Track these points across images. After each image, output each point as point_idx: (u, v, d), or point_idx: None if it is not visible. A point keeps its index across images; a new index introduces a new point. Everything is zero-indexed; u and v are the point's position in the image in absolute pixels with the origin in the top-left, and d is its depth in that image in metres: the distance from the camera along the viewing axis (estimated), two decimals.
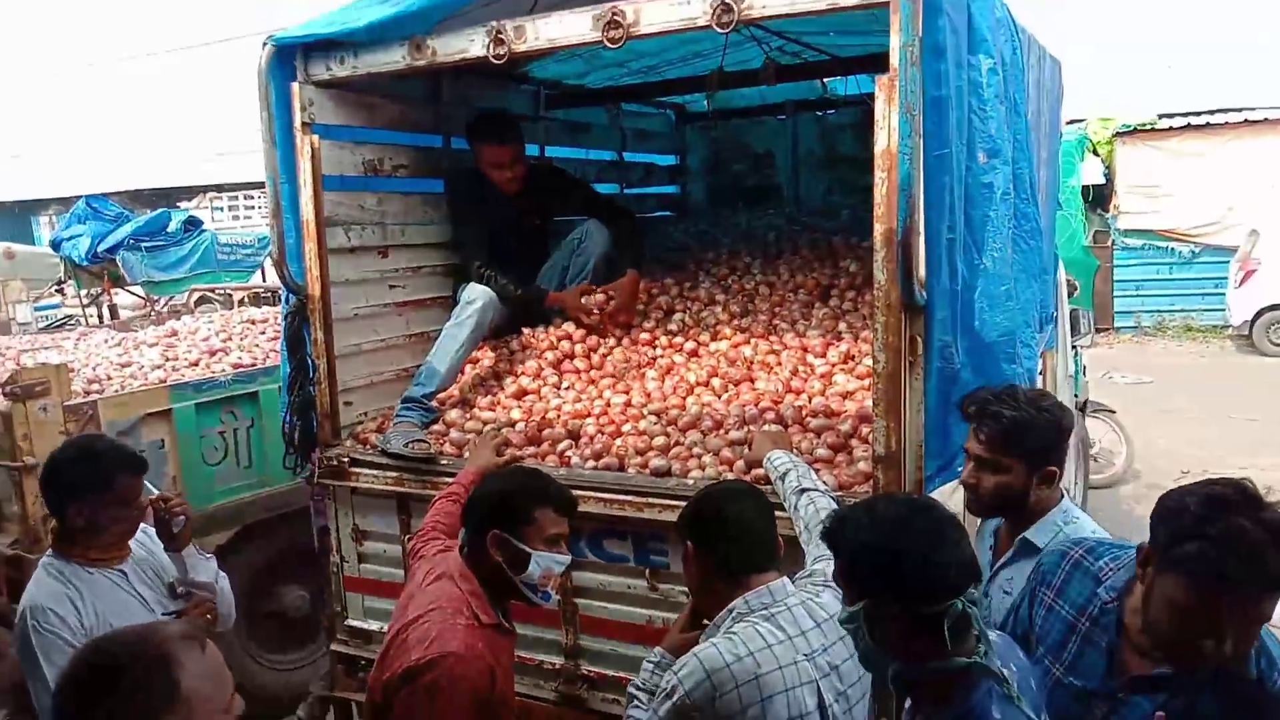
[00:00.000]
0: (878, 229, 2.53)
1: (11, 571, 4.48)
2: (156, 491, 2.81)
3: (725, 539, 2.14)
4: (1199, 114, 14.36)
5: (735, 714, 1.91)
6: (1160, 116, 14.53)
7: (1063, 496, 2.39)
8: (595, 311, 3.99)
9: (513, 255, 4.13)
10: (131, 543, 2.76)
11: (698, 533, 2.18)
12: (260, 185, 3.62)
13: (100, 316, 13.75)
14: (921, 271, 2.52)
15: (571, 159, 5.23)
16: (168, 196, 24.15)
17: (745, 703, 1.91)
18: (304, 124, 3.45)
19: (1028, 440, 2.27)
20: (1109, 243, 15.04)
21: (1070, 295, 5.86)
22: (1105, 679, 1.85)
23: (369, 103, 3.80)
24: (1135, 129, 14.58)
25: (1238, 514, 1.63)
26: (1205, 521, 1.65)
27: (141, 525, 2.82)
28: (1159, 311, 15.13)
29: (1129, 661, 1.84)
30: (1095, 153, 14.62)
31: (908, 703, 1.89)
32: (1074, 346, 6.08)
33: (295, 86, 3.43)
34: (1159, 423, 9.10)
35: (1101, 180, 14.79)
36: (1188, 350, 13.98)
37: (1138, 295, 15.21)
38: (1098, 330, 11.02)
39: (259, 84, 3.38)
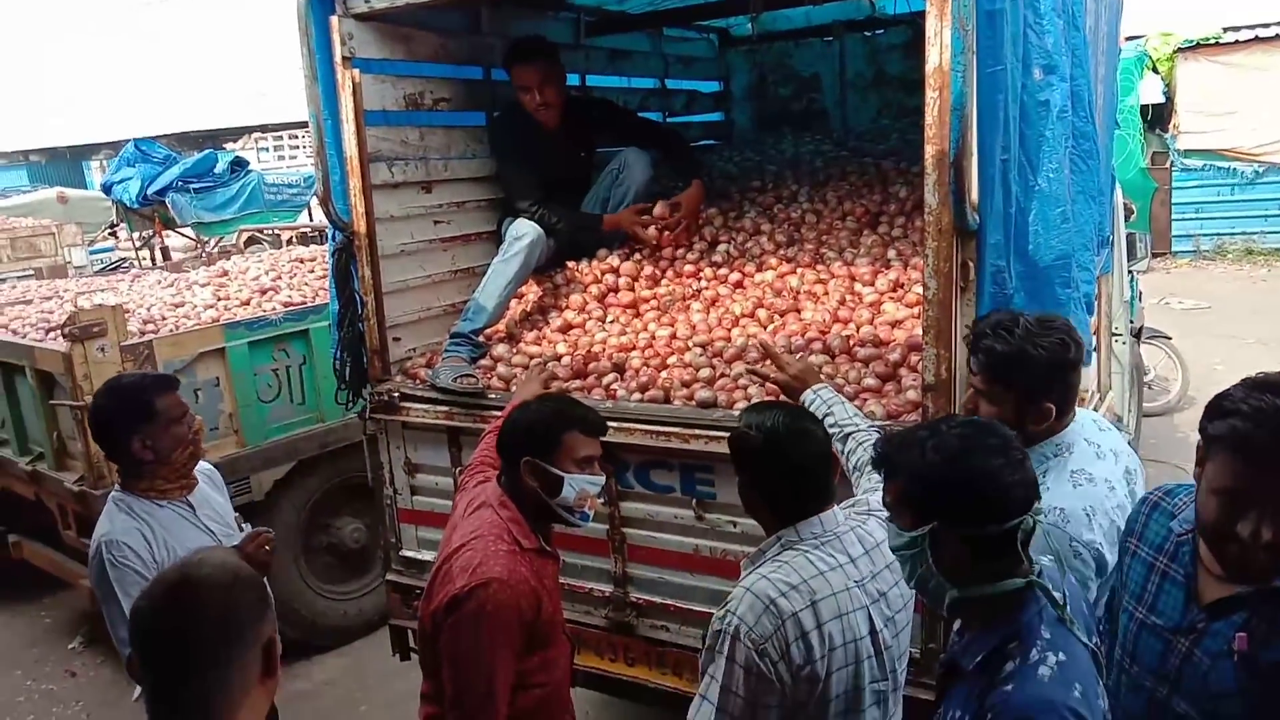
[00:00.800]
0: (929, 150, 2.46)
1: (77, 507, 4.64)
2: (200, 418, 2.84)
3: (784, 484, 2.07)
4: (1267, 25, 13.72)
5: (794, 641, 1.89)
6: (1225, 30, 13.91)
7: (1067, 429, 2.29)
8: (657, 228, 3.93)
9: (556, 190, 4.09)
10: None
11: (757, 470, 2.11)
12: (304, 125, 3.61)
13: (153, 258, 14.01)
14: (974, 194, 2.45)
15: (613, 88, 5.14)
16: (214, 138, 24.34)
17: (805, 629, 1.90)
18: (344, 58, 3.43)
19: (1019, 374, 2.18)
20: (1167, 164, 14.53)
21: (1127, 219, 5.69)
22: (1184, 613, 1.80)
23: (409, 35, 3.76)
24: (1198, 44, 13.97)
25: (1276, 394, 1.60)
26: (1242, 401, 1.63)
27: (204, 473, 2.89)
28: (1219, 234, 14.67)
29: (1206, 592, 1.79)
30: (1155, 70, 14.06)
31: (956, 624, 1.89)
32: (1130, 271, 5.93)
33: (335, 20, 3.40)
34: (1216, 349, 8.88)
35: (1161, 99, 14.23)
36: (1248, 274, 13.57)
37: (1197, 218, 14.74)
38: (1154, 255, 10.74)
39: (299, 18, 3.35)
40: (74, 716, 4.91)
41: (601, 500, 3.23)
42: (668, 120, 5.62)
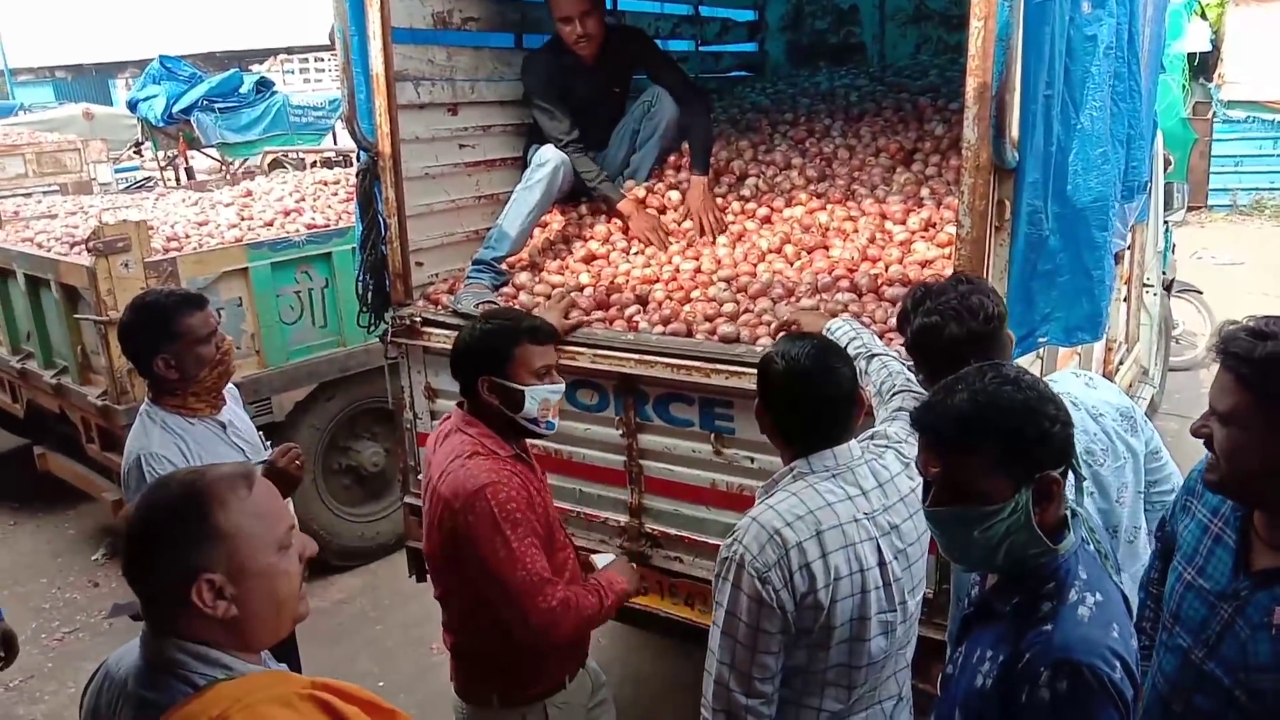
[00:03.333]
0: (970, 83, 2.38)
1: (101, 420, 4.69)
2: (230, 338, 2.83)
3: (800, 417, 2.06)
4: None
5: (798, 569, 1.91)
6: None
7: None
8: (662, 234, 3.81)
9: (588, 120, 4.00)
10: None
11: (776, 398, 2.08)
12: (331, 48, 3.54)
13: (177, 178, 13.99)
14: (1015, 131, 2.38)
15: (645, 12, 5.02)
16: (240, 59, 24.14)
17: (809, 558, 1.92)
18: None
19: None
20: (1209, 115, 14.16)
21: (1165, 169, 5.55)
22: (1231, 579, 1.77)
23: None
24: None
25: None
26: (1250, 327, 1.64)
27: (228, 391, 2.87)
28: (1258, 189, 14.33)
29: (1257, 560, 1.75)
30: (1203, 16, 13.63)
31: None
32: (1165, 222, 5.81)
33: None
34: (1248, 306, 8.68)
35: (1208, 48, 13.83)
36: None
37: (1235, 172, 14.39)
38: (1190, 208, 10.48)
39: None
40: (96, 624, 5.03)
41: (620, 433, 3.25)
42: (700, 49, 5.50)
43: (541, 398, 2.45)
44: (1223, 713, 1.72)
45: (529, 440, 2.57)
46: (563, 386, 2.54)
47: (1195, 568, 1.85)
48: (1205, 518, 1.89)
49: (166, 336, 2.61)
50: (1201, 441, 1.73)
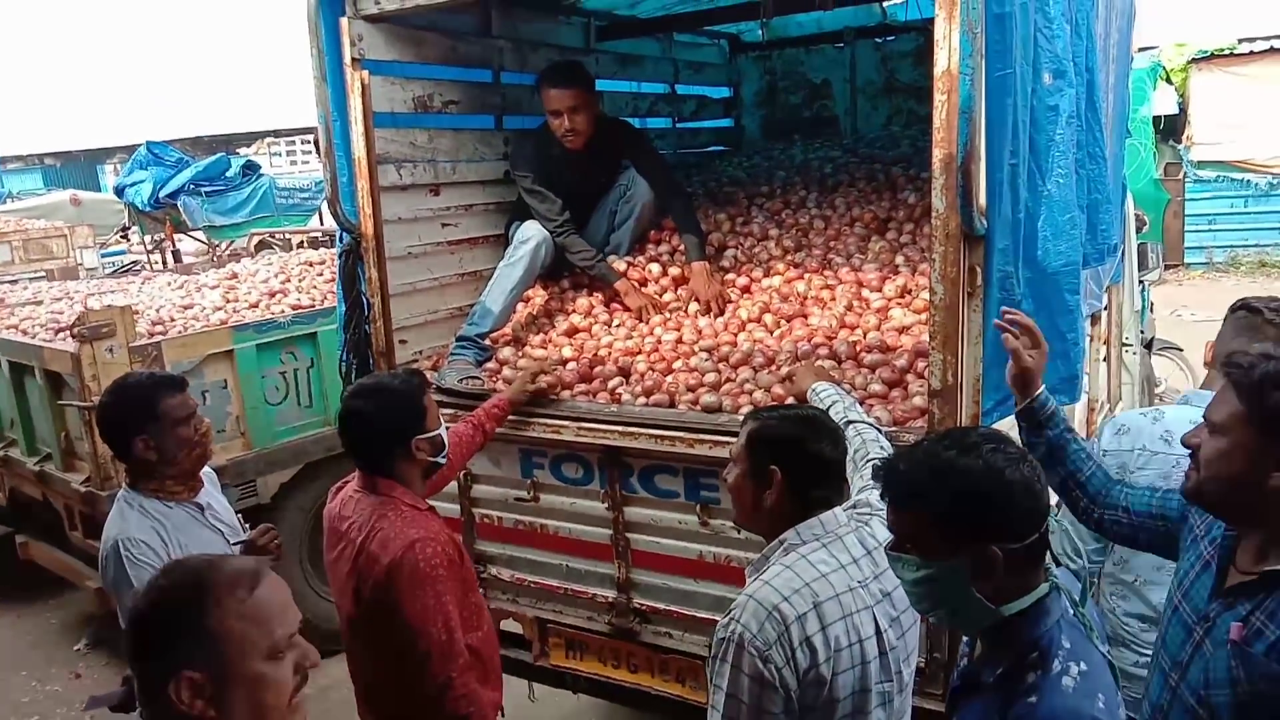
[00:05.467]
0: (937, 154, 2.44)
1: (84, 507, 4.65)
2: (208, 420, 2.83)
3: (816, 475, 2.07)
4: None
5: (799, 645, 1.88)
6: (1240, 41, 13.86)
7: None
8: (659, 307, 3.85)
9: (572, 205, 4.00)
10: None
11: (794, 464, 2.06)
12: (316, 130, 3.61)
13: (164, 261, 14.07)
14: (982, 199, 2.43)
15: (623, 92, 5.14)
16: (227, 142, 24.49)
17: (808, 632, 1.88)
18: (354, 59, 3.43)
19: None
20: (1180, 175, 14.48)
21: (1139, 230, 5.65)
22: (1207, 601, 1.80)
23: (419, 37, 3.76)
24: (1212, 55, 13.93)
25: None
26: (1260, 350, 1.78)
27: (205, 474, 2.87)
28: (1232, 247, 14.59)
29: (1230, 581, 1.78)
30: (1168, 81, 14.02)
31: (965, 638, 1.86)
32: (1141, 281, 5.90)
33: (344, 21, 3.41)
34: None
35: (1174, 110, 14.20)
36: (1262, 287, 13.45)
37: (1210, 230, 14.67)
38: (1167, 266, 10.66)
39: (308, 19, 3.35)
40: (78, 718, 4.91)
41: (605, 506, 3.24)
42: (677, 126, 5.61)
43: (444, 430, 2.70)
44: None
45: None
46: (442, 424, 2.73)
47: (1183, 592, 1.89)
48: (1205, 547, 1.90)
49: (147, 418, 2.61)
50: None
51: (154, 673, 1.37)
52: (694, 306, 3.80)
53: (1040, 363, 2.22)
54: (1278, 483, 1.65)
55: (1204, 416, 1.77)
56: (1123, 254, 4.31)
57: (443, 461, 2.70)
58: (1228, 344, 2.41)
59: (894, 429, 2.73)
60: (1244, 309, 2.47)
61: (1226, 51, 13.88)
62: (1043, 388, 2.21)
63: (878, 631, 1.98)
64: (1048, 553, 1.65)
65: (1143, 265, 5.84)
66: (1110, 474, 2.21)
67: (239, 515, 2.98)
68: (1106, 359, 4.70)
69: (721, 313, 3.74)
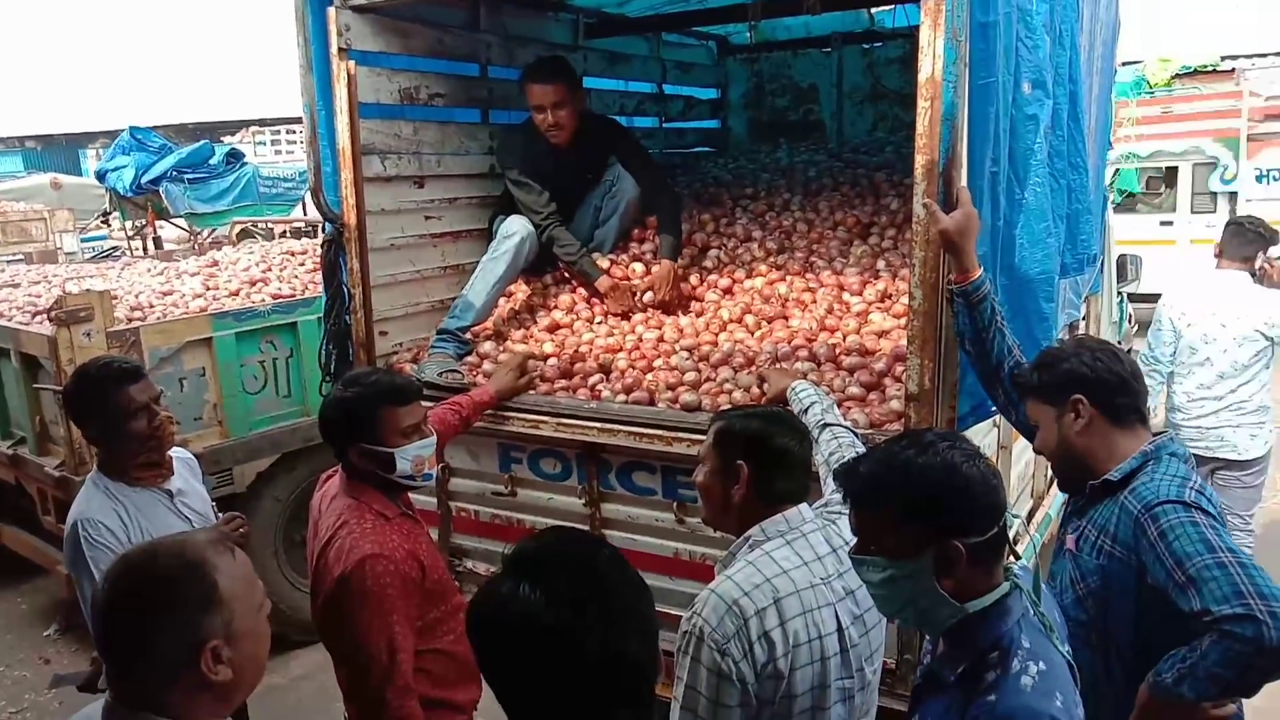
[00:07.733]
0: (919, 160, 2.46)
1: (58, 492, 4.61)
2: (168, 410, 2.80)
3: (782, 469, 2.11)
4: (1265, 55, 13.80)
5: (757, 639, 1.91)
6: (1223, 59, 13.98)
7: None
8: (638, 305, 3.86)
9: (558, 200, 4.02)
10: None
11: (759, 458, 2.11)
12: (301, 120, 3.60)
13: (145, 248, 13.95)
14: None
15: (611, 90, 5.14)
16: (212, 130, 24.33)
17: (766, 627, 1.91)
18: (340, 49, 3.42)
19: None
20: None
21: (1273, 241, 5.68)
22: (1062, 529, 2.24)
23: (406, 29, 3.76)
24: (1195, 70, 14.05)
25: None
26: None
27: (183, 460, 2.87)
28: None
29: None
30: (1151, 94, 14.12)
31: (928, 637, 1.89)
32: (1120, 293, 5.96)
33: (332, 11, 3.40)
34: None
35: None
36: None
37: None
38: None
39: (295, 8, 3.36)
40: (46, 704, 4.87)
41: (583, 502, 3.24)
42: (664, 126, 5.62)
43: (413, 456, 2.48)
44: (1078, 650, 1.86)
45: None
46: (434, 440, 2.57)
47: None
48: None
49: (97, 410, 2.61)
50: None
51: (169, 657, 1.39)
52: (649, 296, 3.82)
53: (965, 227, 2.36)
54: None
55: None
56: (1102, 264, 4.36)
57: (420, 484, 2.57)
58: (1226, 245, 4.48)
59: (870, 431, 2.75)
60: (1234, 224, 4.57)
61: (1210, 68, 14.00)
62: (980, 270, 2.38)
63: (839, 628, 2.01)
64: (1006, 548, 1.67)
65: (1122, 276, 5.91)
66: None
67: (214, 504, 2.97)
68: None
69: (674, 313, 3.76)
